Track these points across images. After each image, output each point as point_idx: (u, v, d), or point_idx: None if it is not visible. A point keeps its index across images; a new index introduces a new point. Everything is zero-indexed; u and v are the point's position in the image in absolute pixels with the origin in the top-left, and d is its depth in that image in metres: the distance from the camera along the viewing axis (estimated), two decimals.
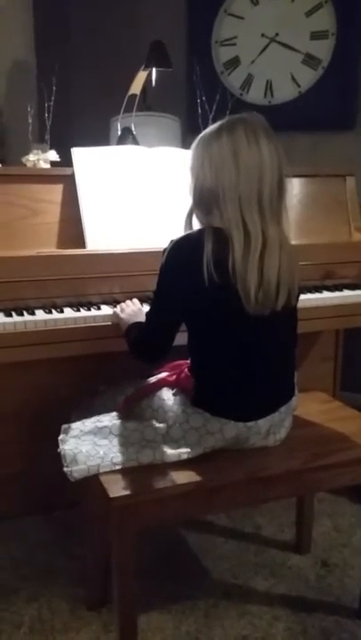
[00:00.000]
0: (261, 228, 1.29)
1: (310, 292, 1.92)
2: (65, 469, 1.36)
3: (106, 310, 1.67)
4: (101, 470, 1.35)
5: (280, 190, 1.32)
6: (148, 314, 1.45)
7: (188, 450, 1.38)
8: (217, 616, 1.65)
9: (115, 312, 1.63)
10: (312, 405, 1.70)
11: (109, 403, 1.56)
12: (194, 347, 1.42)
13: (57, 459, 1.40)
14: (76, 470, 1.35)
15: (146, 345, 1.44)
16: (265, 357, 1.39)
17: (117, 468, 1.35)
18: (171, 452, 1.37)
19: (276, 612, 1.66)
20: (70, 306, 1.68)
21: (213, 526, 2.05)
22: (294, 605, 1.69)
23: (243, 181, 1.28)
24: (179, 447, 1.38)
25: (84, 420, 1.47)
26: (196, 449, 1.38)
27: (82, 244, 1.80)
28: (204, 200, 1.34)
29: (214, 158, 1.30)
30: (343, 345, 2.38)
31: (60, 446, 1.40)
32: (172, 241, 1.35)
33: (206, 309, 1.35)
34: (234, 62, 3.03)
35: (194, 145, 1.37)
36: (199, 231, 1.35)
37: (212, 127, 1.35)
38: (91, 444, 1.40)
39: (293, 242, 1.44)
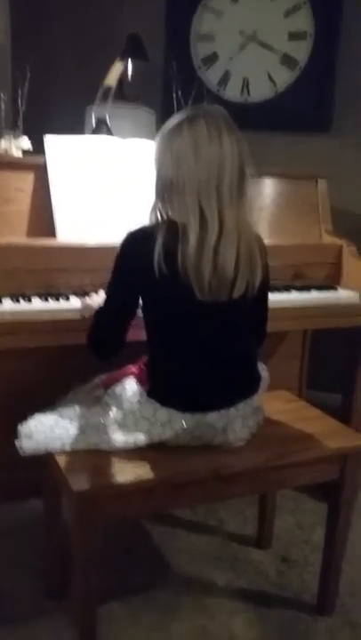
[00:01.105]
0: (218, 212, 1.31)
1: (279, 291, 1.93)
2: (16, 442, 1.41)
3: (75, 302, 1.66)
4: (50, 449, 1.39)
5: (241, 181, 1.33)
6: (101, 305, 1.46)
7: (137, 438, 1.41)
8: (177, 607, 1.66)
9: (83, 302, 1.62)
10: (277, 404, 1.72)
11: (80, 399, 1.56)
12: (148, 338, 1.44)
13: None
14: (26, 445, 1.40)
15: (96, 335, 1.45)
16: (217, 350, 1.40)
17: (66, 448, 1.39)
18: (120, 439, 1.40)
19: (236, 606, 1.69)
20: (39, 296, 1.67)
21: (177, 519, 2.06)
22: (254, 599, 1.71)
23: (202, 172, 1.29)
24: (129, 434, 1.41)
25: (58, 404, 1.52)
26: (145, 438, 1.41)
27: (52, 233, 1.78)
28: (166, 191, 1.36)
29: (175, 150, 1.32)
30: (310, 344, 2.41)
31: (19, 427, 1.44)
32: (128, 232, 1.37)
33: (157, 300, 1.37)
34: (212, 58, 3.02)
35: (157, 137, 1.39)
36: (154, 224, 1.37)
37: (173, 119, 1.36)
38: (52, 424, 1.43)
39: (265, 242, 1.46)
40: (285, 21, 2.88)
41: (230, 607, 1.68)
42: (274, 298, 1.84)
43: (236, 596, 1.72)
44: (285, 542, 1.98)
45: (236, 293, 1.35)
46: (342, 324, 2.02)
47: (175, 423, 1.40)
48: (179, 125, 1.33)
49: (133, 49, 2.39)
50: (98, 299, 1.59)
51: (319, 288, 2.04)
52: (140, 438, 1.41)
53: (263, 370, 1.56)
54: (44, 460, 1.47)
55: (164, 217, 1.38)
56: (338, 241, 2.20)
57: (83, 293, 1.71)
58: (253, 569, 1.85)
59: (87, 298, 1.63)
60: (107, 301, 1.44)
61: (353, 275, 2.12)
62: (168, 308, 1.37)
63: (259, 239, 1.42)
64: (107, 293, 1.43)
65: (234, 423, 1.43)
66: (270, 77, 2.94)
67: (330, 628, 1.62)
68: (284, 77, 2.92)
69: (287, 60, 2.90)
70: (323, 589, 1.67)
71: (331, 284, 2.11)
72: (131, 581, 1.75)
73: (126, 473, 1.32)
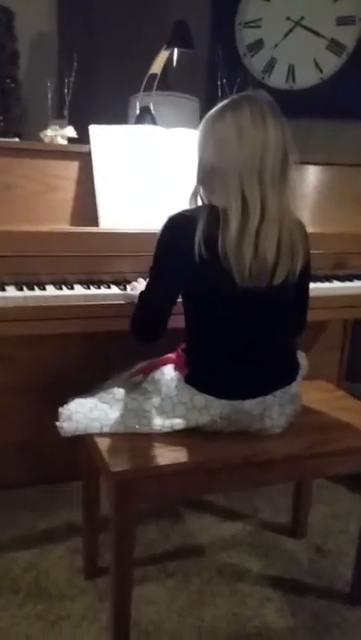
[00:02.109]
0: (260, 197, 1.30)
1: (321, 281, 1.92)
2: (57, 424, 1.45)
3: (116, 289, 1.68)
4: (90, 430, 1.43)
5: (283, 165, 1.32)
6: (143, 290, 1.48)
7: (174, 422, 1.43)
8: (210, 593, 1.68)
9: (125, 292, 1.65)
10: (315, 393, 1.71)
11: (120, 384, 1.59)
12: (187, 324, 1.45)
13: None
14: (66, 426, 1.44)
15: (139, 320, 1.47)
16: (256, 337, 1.41)
17: (105, 430, 1.42)
18: (157, 423, 1.43)
19: (268, 593, 1.70)
20: (81, 283, 1.70)
21: (211, 506, 2.08)
22: (286, 588, 1.72)
23: (244, 157, 1.29)
24: (167, 419, 1.43)
25: (97, 389, 1.56)
26: (182, 422, 1.42)
27: (95, 222, 1.81)
28: (207, 177, 1.37)
29: (218, 136, 1.32)
30: (350, 335, 2.38)
31: (60, 409, 1.48)
32: (168, 216, 1.38)
33: (196, 285, 1.38)
34: (257, 45, 3.00)
35: (201, 124, 1.39)
36: (195, 208, 1.38)
37: (217, 106, 1.36)
38: (91, 406, 1.47)
39: (308, 230, 1.45)
40: (333, 6, 2.83)
41: (263, 595, 1.69)
42: (315, 287, 1.83)
43: (270, 584, 1.74)
44: (320, 532, 1.98)
45: (277, 280, 1.34)
46: None
47: (212, 409, 1.41)
48: (222, 111, 1.33)
49: (180, 36, 2.39)
50: (140, 286, 1.61)
51: None
52: (177, 422, 1.43)
53: (302, 358, 1.56)
54: (84, 442, 1.51)
55: (205, 202, 1.39)
56: None
57: (123, 280, 1.73)
58: (287, 557, 1.86)
59: (129, 287, 1.65)
60: (149, 287, 1.45)
61: None
62: (207, 294, 1.38)
63: (301, 226, 1.41)
64: (149, 278, 1.45)
65: (271, 410, 1.44)
66: (316, 64, 2.90)
67: None
68: (331, 64, 2.88)
69: (334, 46, 2.86)
70: (357, 580, 1.66)
71: None
72: (166, 564, 1.78)
73: (163, 456, 1.35)
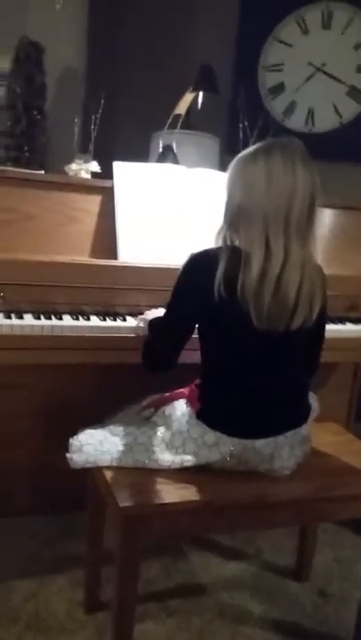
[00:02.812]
0: (285, 246, 1.32)
1: (334, 322, 1.93)
2: (67, 455, 1.46)
3: (131, 322, 1.71)
4: (99, 463, 1.43)
5: (310, 215, 1.34)
6: (158, 323, 1.50)
7: (184, 459, 1.43)
8: (210, 633, 1.66)
9: (138, 323, 1.67)
10: (325, 436, 1.71)
11: (130, 417, 1.61)
12: (203, 360, 1.46)
13: None
14: (76, 458, 1.44)
15: (151, 351, 1.49)
16: (270, 378, 1.42)
17: (114, 464, 1.43)
18: (167, 459, 1.43)
19: (270, 636, 1.67)
20: (97, 314, 1.73)
21: (215, 545, 2.06)
22: (288, 632, 1.70)
23: (272, 202, 1.30)
24: (177, 455, 1.43)
25: (108, 422, 1.57)
26: (192, 459, 1.43)
27: (114, 256, 1.84)
28: (233, 217, 1.38)
29: (248, 179, 1.34)
30: (360, 377, 2.38)
31: (71, 440, 1.49)
32: (190, 253, 1.40)
33: (214, 324, 1.39)
34: (279, 88, 3.07)
35: (231, 164, 1.41)
36: (218, 248, 1.39)
37: (250, 148, 1.38)
38: (101, 439, 1.48)
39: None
40: (355, 54, 2.91)
41: (264, 638, 1.67)
42: (328, 328, 1.84)
43: (271, 628, 1.71)
44: (324, 576, 1.96)
45: (295, 325, 1.36)
46: None
47: (223, 446, 1.41)
48: (255, 154, 1.34)
49: (206, 80, 2.46)
50: (151, 314, 1.63)
51: None
52: (186, 459, 1.43)
53: (314, 400, 1.57)
54: (91, 474, 1.52)
55: (229, 243, 1.40)
56: None
57: (139, 313, 1.76)
58: (290, 601, 1.83)
59: (140, 320, 1.67)
60: (164, 320, 1.47)
61: None
62: (224, 334, 1.39)
63: (320, 271, 1.42)
64: (165, 312, 1.46)
65: (281, 451, 1.44)
66: (336, 108, 2.97)
67: None
68: (350, 109, 2.95)
69: (354, 92, 2.92)
70: (359, 628, 1.63)
71: None
72: (167, 603, 1.76)
73: (171, 493, 1.35)
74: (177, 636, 1.64)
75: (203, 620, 1.71)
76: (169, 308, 1.45)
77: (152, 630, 1.65)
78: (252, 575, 1.93)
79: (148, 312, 1.70)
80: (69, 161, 2.07)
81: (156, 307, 1.74)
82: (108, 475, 1.40)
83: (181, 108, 2.24)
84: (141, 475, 1.41)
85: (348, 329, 1.94)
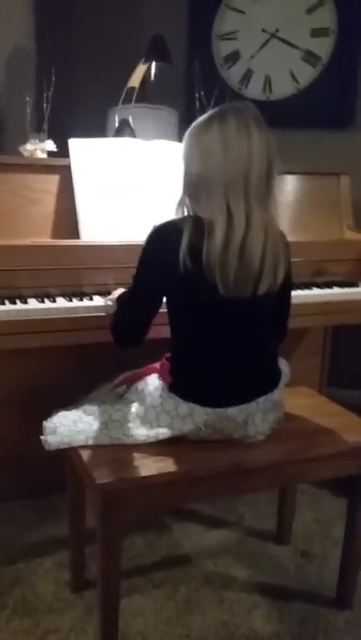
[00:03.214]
0: (246, 212, 1.32)
1: (300, 288, 1.95)
2: (41, 438, 1.45)
3: (98, 301, 1.70)
4: (74, 443, 1.43)
5: (268, 178, 1.34)
6: (126, 298, 1.49)
7: (159, 432, 1.43)
8: (197, 602, 1.69)
9: (105, 301, 1.66)
10: (298, 400, 1.74)
11: (103, 396, 1.60)
12: (172, 333, 1.46)
13: None
14: (51, 440, 1.44)
15: (120, 325, 1.48)
16: (239, 346, 1.43)
17: (90, 442, 1.42)
18: (142, 433, 1.44)
19: (255, 600, 1.71)
20: (63, 295, 1.71)
21: (197, 514, 2.09)
22: (273, 594, 1.74)
23: (229, 169, 1.30)
24: (151, 429, 1.44)
25: (81, 402, 1.57)
26: (167, 431, 1.43)
27: (76, 235, 1.82)
28: (193, 187, 1.38)
29: (204, 146, 1.33)
30: (330, 341, 2.42)
31: (45, 422, 1.48)
32: (154, 226, 1.39)
33: (181, 295, 1.40)
34: (234, 57, 3.04)
35: (187, 133, 1.40)
36: (180, 219, 1.39)
37: (204, 115, 1.37)
38: (75, 419, 1.48)
39: (288, 238, 1.47)
40: (308, 18, 2.87)
41: (250, 602, 1.70)
42: (295, 294, 1.85)
43: (256, 591, 1.75)
44: (304, 537, 2.00)
45: (261, 291, 1.36)
46: None
47: (196, 417, 1.42)
48: (209, 121, 1.33)
49: (157, 51, 2.42)
50: (118, 293, 1.62)
51: (341, 284, 2.05)
52: (161, 432, 1.43)
53: (284, 365, 1.59)
54: (67, 455, 1.52)
55: (191, 213, 1.40)
56: (360, 237, 2.20)
57: (106, 292, 1.74)
58: (273, 564, 1.87)
59: (108, 300, 1.66)
60: (132, 294, 1.46)
61: None
62: (192, 304, 1.39)
63: (283, 236, 1.43)
64: (132, 286, 1.45)
65: (254, 417, 1.46)
66: (292, 75, 2.94)
67: (349, 622, 1.64)
68: (307, 75, 2.92)
69: (310, 57, 2.90)
70: (342, 584, 1.68)
71: (353, 280, 2.12)
72: (152, 576, 1.78)
73: (149, 466, 1.36)
74: (164, 607, 1.66)
75: (189, 588, 1.74)
76: (135, 281, 1.44)
77: (139, 603, 1.67)
78: (235, 542, 1.97)
79: (115, 292, 1.68)
80: (24, 141, 2.02)
81: (123, 284, 1.73)
82: (85, 454, 1.40)
83: (135, 80, 2.21)
84: (117, 451, 1.41)
85: (315, 294, 1.96)
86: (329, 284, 2.04)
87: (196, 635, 1.57)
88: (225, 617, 1.64)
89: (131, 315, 1.47)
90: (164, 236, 1.37)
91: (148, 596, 1.70)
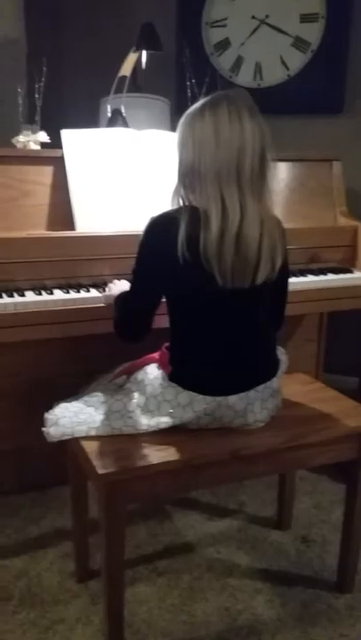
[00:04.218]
0: (240, 201, 1.31)
1: (295, 275, 1.96)
2: (43, 429, 1.45)
3: (95, 292, 1.70)
4: (76, 434, 1.43)
5: (262, 167, 1.34)
6: (128, 291, 1.49)
7: (160, 421, 1.44)
8: (200, 589, 1.71)
9: (103, 294, 1.66)
10: (295, 386, 1.75)
11: (104, 387, 1.61)
12: (171, 323, 1.47)
13: None
14: (52, 431, 1.44)
15: (124, 321, 1.49)
16: (238, 335, 1.43)
17: (91, 433, 1.43)
18: (143, 423, 1.44)
19: (258, 586, 1.73)
20: (60, 287, 1.71)
21: (198, 503, 2.10)
22: (275, 579, 1.75)
23: (222, 158, 1.30)
24: (152, 418, 1.45)
25: (81, 393, 1.57)
26: (168, 420, 1.44)
27: (71, 227, 1.81)
28: (187, 177, 1.38)
29: (197, 135, 1.32)
30: (326, 327, 2.43)
31: (46, 414, 1.48)
32: (151, 218, 1.39)
33: (180, 286, 1.40)
34: (224, 44, 3.02)
35: (180, 122, 1.39)
36: (177, 209, 1.38)
37: (197, 104, 1.37)
38: (76, 410, 1.48)
39: None
40: (297, 3, 2.86)
41: (253, 588, 1.72)
42: (290, 281, 1.85)
43: (258, 577, 1.76)
44: (305, 523, 2.02)
45: (259, 280, 1.36)
46: (359, 305, 2.03)
47: (196, 405, 1.43)
48: (201, 110, 1.33)
49: (148, 39, 2.40)
50: (115, 287, 1.62)
51: (335, 271, 2.06)
52: (162, 421, 1.44)
53: (282, 354, 1.59)
54: (69, 446, 1.52)
55: (186, 202, 1.40)
56: (353, 223, 2.21)
57: (102, 283, 1.74)
58: (274, 549, 1.89)
59: (107, 288, 1.67)
60: (132, 288, 1.46)
61: None
62: (190, 295, 1.40)
63: (279, 223, 1.43)
64: (133, 280, 1.45)
65: (254, 405, 1.46)
66: (283, 61, 2.93)
67: (349, 605, 1.66)
68: (297, 60, 2.91)
69: (299, 43, 2.89)
70: (342, 567, 1.70)
71: (347, 266, 2.13)
72: (156, 564, 1.80)
73: (150, 455, 1.36)
74: (168, 595, 1.68)
75: (192, 576, 1.75)
76: (135, 276, 1.44)
77: (144, 592, 1.68)
78: (237, 529, 1.98)
79: (111, 284, 1.68)
80: (16, 133, 2.01)
81: (119, 275, 1.73)
82: (86, 445, 1.41)
83: (126, 69, 2.19)
84: (118, 441, 1.42)
85: (310, 280, 1.96)
86: (323, 271, 2.04)
87: (199, 621, 1.59)
88: (228, 603, 1.66)
89: (134, 308, 1.47)
90: (161, 227, 1.36)
91: (151, 584, 1.72)
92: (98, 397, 1.51)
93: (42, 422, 1.48)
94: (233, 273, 1.33)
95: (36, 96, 2.07)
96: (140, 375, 1.51)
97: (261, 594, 1.69)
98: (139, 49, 2.37)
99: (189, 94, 2.38)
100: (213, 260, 1.31)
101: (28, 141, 1.97)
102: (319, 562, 1.83)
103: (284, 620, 1.60)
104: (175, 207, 1.41)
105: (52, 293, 1.66)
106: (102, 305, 1.65)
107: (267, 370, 1.50)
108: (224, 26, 3.01)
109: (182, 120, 1.38)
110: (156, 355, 1.53)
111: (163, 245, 1.34)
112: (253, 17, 2.94)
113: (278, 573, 1.78)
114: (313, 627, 1.58)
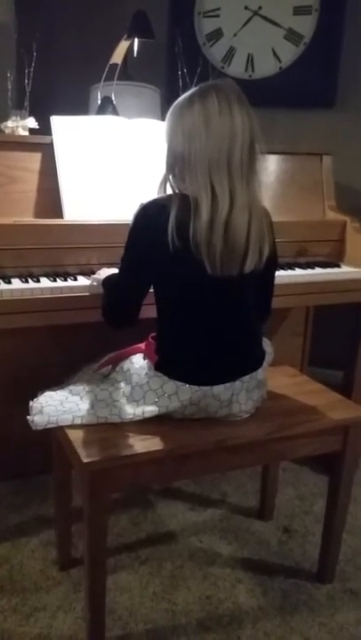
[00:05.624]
0: (229, 190, 1.32)
1: (283, 268, 1.96)
2: (28, 418, 1.45)
3: (82, 281, 1.69)
4: (61, 423, 1.43)
5: (251, 156, 1.34)
6: (116, 277, 1.49)
7: (145, 410, 1.44)
8: (182, 577, 1.72)
9: (91, 282, 1.65)
10: (280, 379, 1.76)
11: (89, 376, 1.60)
12: (158, 311, 1.47)
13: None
14: (37, 420, 1.44)
15: (113, 307, 1.49)
16: (225, 325, 1.44)
17: (76, 422, 1.43)
18: (128, 412, 1.44)
19: (239, 575, 1.74)
20: (47, 276, 1.70)
21: (181, 492, 2.11)
22: (256, 569, 1.77)
23: (212, 146, 1.30)
24: (138, 407, 1.45)
25: (67, 382, 1.56)
26: (153, 409, 1.44)
27: (59, 214, 1.80)
28: (176, 166, 1.38)
29: (186, 125, 1.33)
30: (312, 322, 2.44)
31: (31, 402, 1.48)
32: (141, 204, 1.38)
33: (168, 274, 1.40)
34: (216, 34, 3.00)
35: (169, 112, 1.40)
36: (167, 196, 1.39)
37: (185, 95, 1.37)
38: (62, 399, 1.48)
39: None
40: None
41: (234, 577, 1.73)
42: (278, 275, 1.86)
43: (240, 566, 1.78)
44: (287, 513, 2.04)
45: (247, 269, 1.37)
46: (346, 299, 2.05)
47: (182, 395, 1.43)
48: (190, 100, 1.33)
49: (139, 27, 2.38)
50: (104, 273, 1.62)
51: (323, 265, 2.06)
52: (148, 410, 1.44)
53: (268, 345, 1.60)
54: (54, 434, 1.52)
55: (175, 190, 1.40)
56: (342, 217, 2.21)
57: (90, 272, 1.73)
58: (256, 540, 1.90)
59: (93, 276, 1.66)
60: (121, 274, 1.46)
61: (356, 251, 2.14)
62: (179, 283, 1.40)
63: (267, 213, 1.44)
64: (121, 267, 1.45)
65: (239, 396, 1.47)
66: (275, 53, 2.93)
67: (330, 596, 1.68)
68: (289, 53, 2.90)
69: (292, 35, 2.88)
70: (323, 558, 1.72)
71: (334, 260, 2.14)
72: (138, 553, 1.81)
73: (134, 444, 1.37)
74: (150, 583, 1.69)
75: (174, 565, 1.76)
76: (124, 262, 1.44)
77: (126, 580, 1.69)
78: (219, 519, 2.00)
79: (100, 271, 1.68)
80: (5, 118, 1.99)
81: (107, 264, 1.73)
82: (71, 433, 1.41)
83: (117, 56, 2.18)
84: (104, 430, 1.42)
85: (297, 274, 1.97)
86: (311, 265, 2.05)
87: (181, 609, 1.60)
88: (209, 592, 1.67)
89: (122, 295, 1.47)
90: (152, 214, 1.36)
91: (133, 572, 1.72)
92: (83, 386, 1.51)
93: (26, 411, 1.48)
94: (222, 260, 1.33)
95: (26, 81, 2.05)
96: (125, 365, 1.51)
97: (243, 583, 1.71)
98: (130, 37, 2.35)
99: (180, 84, 2.37)
100: (203, 247, 1.31)
101: (17, 127, 1.95)
102: (300, 552, 1.85)
103: (265, 610, 1.61)
104: (162, 195, 1.40)
105: (38, 281, 1.65)
106: (89, 294, 1.64)
107: (253, 360, 1.51)
108: (217, 16, 2.99)
109: (171, 110, 1.39)
110: (142, 345, 1.53)
111: (152, 231, 1.34)
112: (246, 7, 2.93)
113: (260, 563, 1.80)
114: (293, 616, 1.60)
